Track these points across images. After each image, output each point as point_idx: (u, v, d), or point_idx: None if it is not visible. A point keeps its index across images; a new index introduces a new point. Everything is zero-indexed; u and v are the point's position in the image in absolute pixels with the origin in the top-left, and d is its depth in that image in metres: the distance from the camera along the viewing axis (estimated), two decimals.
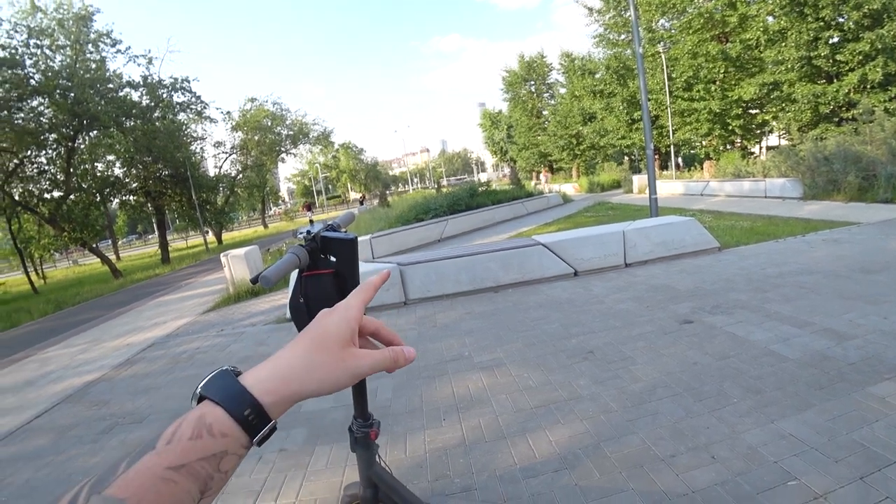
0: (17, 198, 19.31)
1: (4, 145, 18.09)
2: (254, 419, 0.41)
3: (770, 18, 17.19)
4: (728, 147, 21.11)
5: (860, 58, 14.77)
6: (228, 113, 33.62)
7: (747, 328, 3.61)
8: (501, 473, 2.30)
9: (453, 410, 3.01)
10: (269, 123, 36.59)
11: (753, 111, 19.99)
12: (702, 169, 21.80)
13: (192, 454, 0.37)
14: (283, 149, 38.81)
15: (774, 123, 19.50)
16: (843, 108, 15.87)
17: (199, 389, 0.43)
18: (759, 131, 20.88)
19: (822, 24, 15.22)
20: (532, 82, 37.96)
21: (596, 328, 4.10)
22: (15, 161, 18.75)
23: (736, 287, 4.71)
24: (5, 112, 16.71)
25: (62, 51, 18.83)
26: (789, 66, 16.42)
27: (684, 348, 3.41)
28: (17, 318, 11.83)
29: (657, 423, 2.51)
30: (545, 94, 38.26)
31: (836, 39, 15.69)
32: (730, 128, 19.64)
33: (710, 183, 15.63)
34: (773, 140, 24.95)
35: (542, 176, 34.23)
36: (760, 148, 23.73)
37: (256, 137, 35.40)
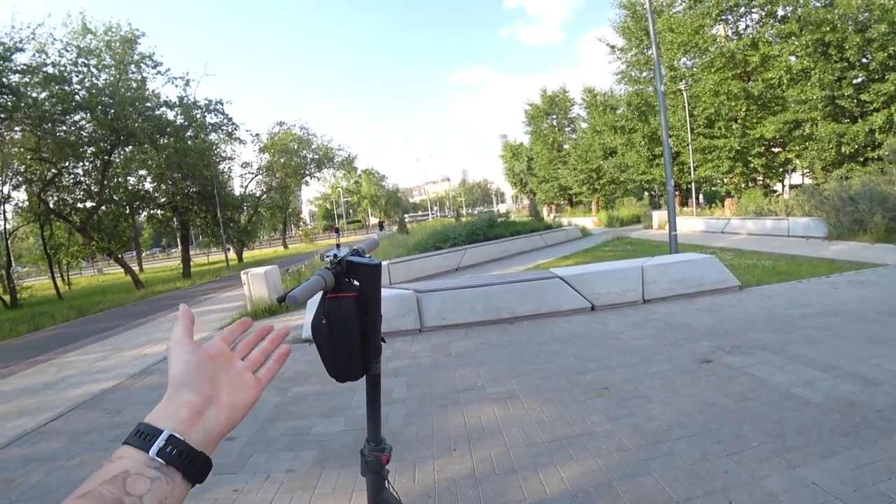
0: (51, 205, 20.11)
1: (45, 155, 18.96)
2: (145, 437, 0.45)
3: (793, 58, 17.26)
4: (750, 185, 20.94)
5: (885, 98, 14.67)
6: (257, 135, 34.71)
7: (768, 370, 3.52)
8: None
9: (464, 441, 2.97)
10: (296, 147, 37.58)
11: (776, 149, 19.88)
12: (723, 206, 21.60)
13: (96, 481, 0.41)
14: (307, 172, 39.68)
15: (797, 162, 19.32)
16: (868, 148, 15.69)
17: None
18: (781, 169, 20.70)
19: (846, 64, 15.23)
20: (554, 116, 38.41)
21: (612, 364, 4.04)
22: (53, 171, 19.60)
23: (757, 327, 4.61)
24: (49, 124, 17.57)
25: (107, 70, 19.84)
26: (812, 105, 16.37)
27: (702, 388, 3.34)
28: (41, 322, 12.14)
29: (673, 464, 2.45)
30: (567, 129, 38.62)
31: (860, 79, 15.65)
32: (751, 165, 19.54)
33: (732, 221, 15.46)
34: (796, 178, 24.66)
35: (544, 210, 34.32)
36: (783, 186, 23.47)
37: (282, 160, 36.34)
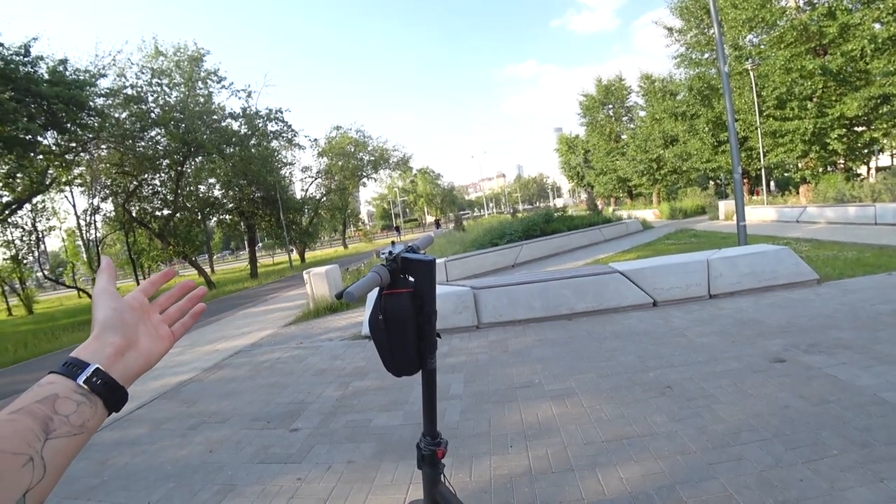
0: (134, 214, 22.04)
1: (127, 169, 20.80)
2: (73, 367, 0.50)
3: (877, 25, 15.63)
4: (829, 169, 19.22)
5: None
6: (315, 140, 36.21)
7: (852, 371, 3.24)
8: None
9: (521, 438, 2.97)
10: (353, 150, 38.78)
11: (859, 128, 18.12)
12: (797, 193, 20.02)
13: (28, 399, 0.47)
14: (364, 174, 40.88)
15: (885, 141, 17.50)
16: None
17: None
18: (866, 151, 18.83)
19: None
20: (610, 106, 37.10)
21: (675, 362, 3.87)
22: (135, 183, 21.46)
23: (838, 324, 4.25)
24: (130, 141, 19.26)
25: (177, 88, 21.46)
26: None
27: (775, 389, 3.13)
28: None
29: (741, 470, 2.32)
30: (624, 118, 37.21)
31: None
32: (830, 148, 17.91)
33: (808, 209, 14.29)
34: (884, 160, 22.38)
35: (598, 203, 33.54)
36: (869, 169, 21.36)
37: (340, 163, 37.63)
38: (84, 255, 23.92)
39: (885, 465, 2.20)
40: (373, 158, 40.85)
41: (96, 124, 16.42)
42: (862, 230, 10.69)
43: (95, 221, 23.14)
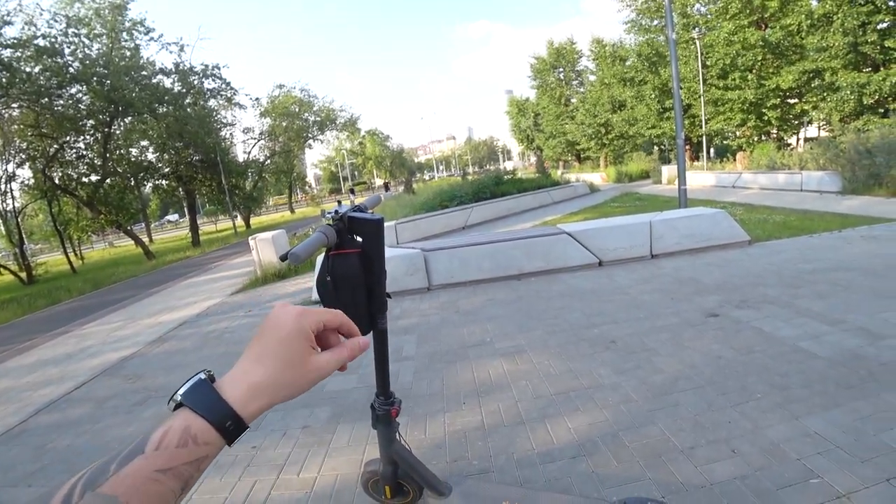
0: (57, 181, 20.11)
1: (45, 131, 18.83)
2: (232, 428, 0.45)
3: (814, 2, 16.42)
4: (763, 138, 20.37)
5: None
6: (257, 99, 34.13)
7: (775, 324, 3.52)
8: (519, 458, 2.33)
9: (473, 395, 3.05)
10: (297, 110, 37.05)
11: (792, 100, 19.22)
12: (734, 160, 21.19)
13: (178, 459, 0.42)
14: (310, 135, 39.33)
15: (814, 114, 18.69)
16: (890, 99, 15.09)
17: (178, 397, 0.46)
18: (797, 122, 20.08)
19: (872, 7, 14.42)
20: (561, 69, 37.28)
21: (619, 318, 4.06)
22: (55, 146, 19.48)
23: (765, 282, 4.59)
24: (46, 99, 17.34)
25: (99, 39, 19.37)
26: (833, 52, 15.66)
27: (709, 342, 3.36)
28: (58, 296, 12.41)
29: (678, 415, 2.50)
30: (574, 82, 37.53)
31: (885, 24, 14.86)
32: (766, 118, 18.94)
33: (743, 175, 15.13)
34: (812, 131, 23.97)
35: (547, 166, 34.38)
36: (798, 139, 22.83)
37: (284, 124, 35.93)
38: (2, 228, 21.70)
39: (800, 406, 2.44)
40: (319, 119, 39.31)
41: (4, 80, 14.67)
42: (789, 196, 11.48)
43: (12, 190, 20.87)
